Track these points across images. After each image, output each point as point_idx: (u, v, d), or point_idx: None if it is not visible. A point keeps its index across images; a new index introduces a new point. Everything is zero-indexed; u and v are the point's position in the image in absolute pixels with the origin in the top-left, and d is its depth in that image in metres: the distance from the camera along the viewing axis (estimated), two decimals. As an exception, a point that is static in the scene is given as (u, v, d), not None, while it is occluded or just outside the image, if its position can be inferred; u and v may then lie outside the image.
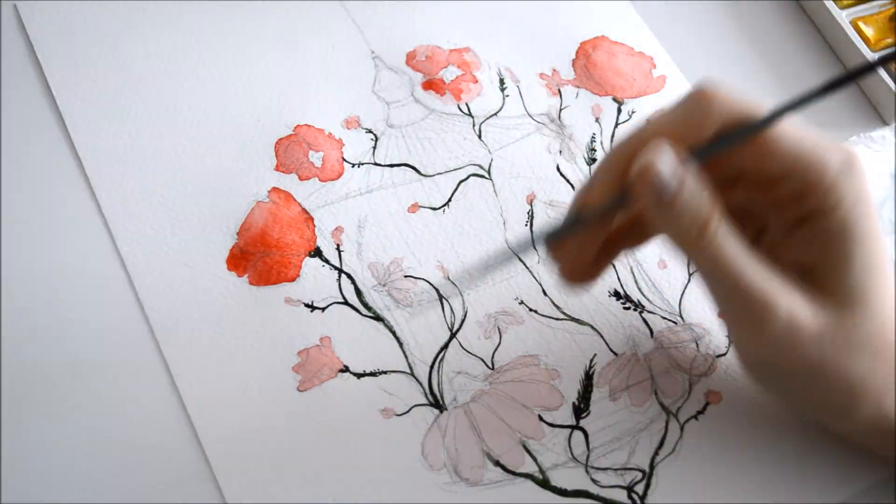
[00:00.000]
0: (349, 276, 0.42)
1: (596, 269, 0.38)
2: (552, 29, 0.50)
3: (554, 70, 0.48)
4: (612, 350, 0.41)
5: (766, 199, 0.34)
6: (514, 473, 0.38)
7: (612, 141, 0.47)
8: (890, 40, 0.49)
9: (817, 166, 0.32)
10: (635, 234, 0.38)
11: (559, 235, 0.35)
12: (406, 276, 0.42)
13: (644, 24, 0.50)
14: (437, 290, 0.42)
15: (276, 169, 0.44)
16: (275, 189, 0.43)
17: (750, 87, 0.49)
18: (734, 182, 0.35)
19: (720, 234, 0.31)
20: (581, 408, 0.40)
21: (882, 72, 0.48)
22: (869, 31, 0.49)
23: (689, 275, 0.43)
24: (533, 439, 0.39)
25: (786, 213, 0.34)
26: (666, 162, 0.31)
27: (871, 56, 0.48)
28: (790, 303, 0.32)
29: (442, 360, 0.40)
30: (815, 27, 0.52)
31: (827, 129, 0.48)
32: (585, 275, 0.37)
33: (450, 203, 0.44)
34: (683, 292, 0.43)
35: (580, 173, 0.45)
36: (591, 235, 0.35)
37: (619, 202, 0.33)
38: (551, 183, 0.45)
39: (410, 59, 0.48)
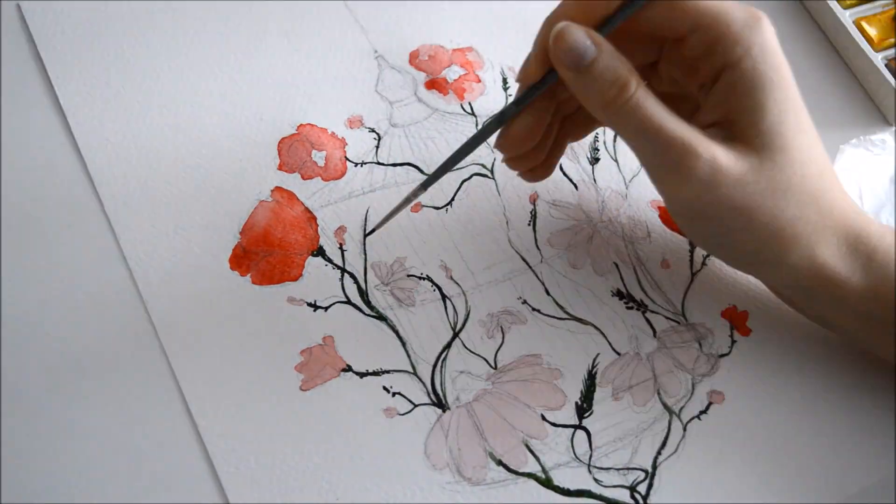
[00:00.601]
0: (352, 276, 0.42)
1: (548, 161, 0.40)
2: (555, 28, 0.49)
3: (557, 70, 0.48)
4: (614, 350, 0.41)
5: (684, 70, 0.37)
6: (516, 473, 0.38)
7: (615, 140, 0.47)
8: (893, 39, 0.49)
9: (722, 18, 0.34)
10: (578, 124, 0.40)
11: (507, 115, 0.37)
12: (409, 276, 0.42)
13: (647, 23, 0.50)
14: (439, 289, 0.42)
15: (280, 168, 0.44)
16: (278, 188, 0.43)
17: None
18: (654, 58, 0.37)
19: (640, 93, 0.33)
20: (584, 407, 0.40)
21: (884, 71, 0.48)
22: (872, 31, 0.49)
23: (693, 274, 0.43)
24: (536, 439, 0.39)
25: (701, 73, 0.35)
26: (578, 31, 0.33)
27: (874, 57, 0.48)
28: (710, 148, 0.34)
29: (445, 359, 0.40)
30: (818, 27, 0.52)
31: (828, 128, 0.48)
32: (537, 165, 0.40)
33: (453, 202, 0.44)
34: (686, 292, 0.43)
35: (583, 173, 0.45)
36: (536, 118, 0.38)
37: (552, 77, 0.36)
38: (554, 182, 0.45)
39: (413, 58, 0.48)
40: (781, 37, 0.51)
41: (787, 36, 0.51)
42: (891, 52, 0.49)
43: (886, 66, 0.48)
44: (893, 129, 0.48)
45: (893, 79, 0.48)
